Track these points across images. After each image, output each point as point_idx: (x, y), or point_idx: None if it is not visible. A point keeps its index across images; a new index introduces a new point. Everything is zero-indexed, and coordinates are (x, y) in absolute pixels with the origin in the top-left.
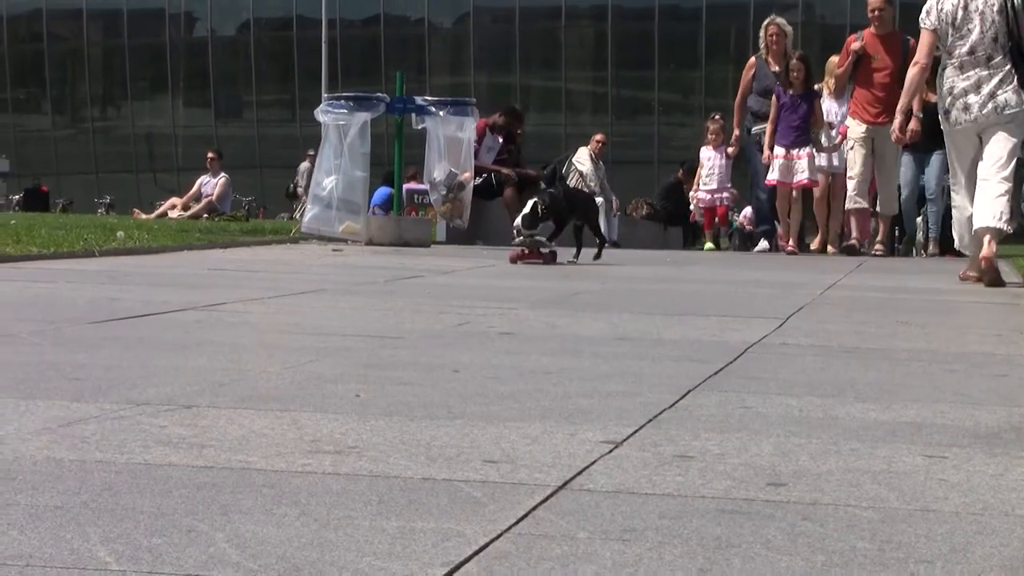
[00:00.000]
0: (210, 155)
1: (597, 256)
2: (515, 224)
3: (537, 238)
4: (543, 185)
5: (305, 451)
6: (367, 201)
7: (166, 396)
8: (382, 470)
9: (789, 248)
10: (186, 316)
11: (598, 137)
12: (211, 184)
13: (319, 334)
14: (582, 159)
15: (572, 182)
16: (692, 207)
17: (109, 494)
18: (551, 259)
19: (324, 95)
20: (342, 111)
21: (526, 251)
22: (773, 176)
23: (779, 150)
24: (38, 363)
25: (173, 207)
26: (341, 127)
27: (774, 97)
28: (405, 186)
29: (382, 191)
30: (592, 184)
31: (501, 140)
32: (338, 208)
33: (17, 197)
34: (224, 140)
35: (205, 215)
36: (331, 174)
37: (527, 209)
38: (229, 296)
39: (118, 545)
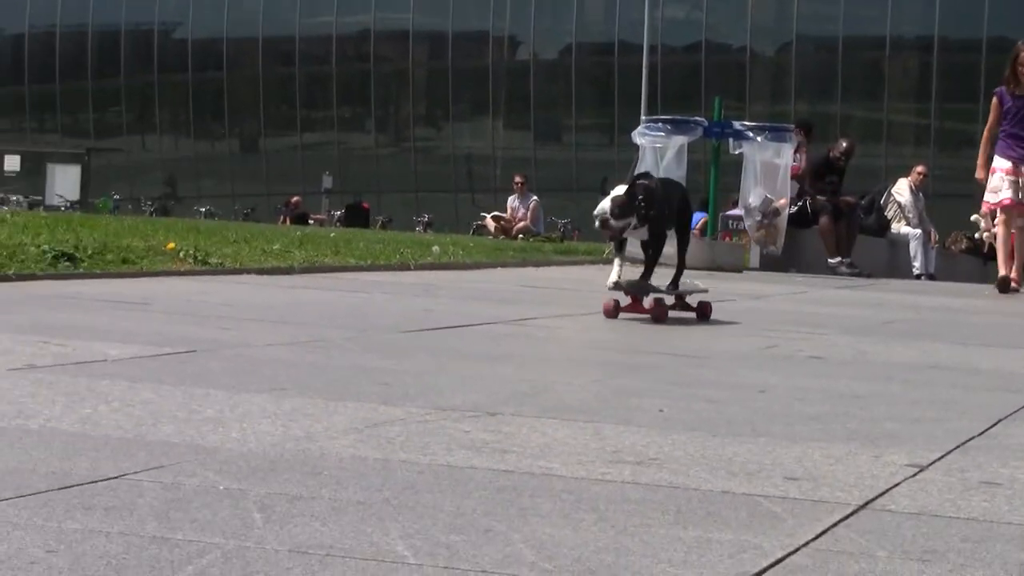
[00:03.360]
0: (517, 179)
1: (673, 285)
2: (599, 210)
3: (647, 284)
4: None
5: (606, 460)
6: None
7: (472, 403)
8: (682, 482)
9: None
10: (496, 329)
11: (919, 169)
12: (520, 206)
13: (626, 351)
14: (901, 190)
15: (890, 214)
16: None
17: (410, 492)
18: (661, 314)
19: (642, 118)
20: (659, 134)
21: (620, 302)
22: (1004, 195)
23: (1003, 163)
24: (349, 367)
25: (487, 226)
26: (658, 150)
27: (995, 99)
28: (721, 212)
29: (699, 216)
30: (911, 215)
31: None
32: None
33: (339, 213)
34: (542, 163)
35: (520, 236)
36: None
37: (618, 191)
38: (539, 312)
39: (416, 541)
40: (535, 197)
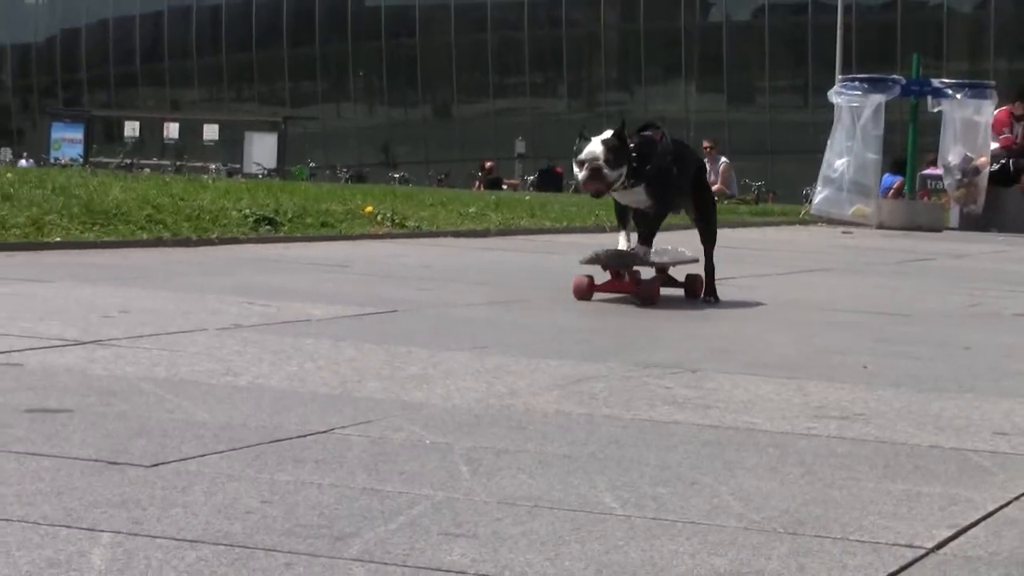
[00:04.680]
0: (706, 144)
1: (709, 292)
2: (587, 153)
3: (629, 249)
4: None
5: (810, 416)
6: (879, 184)
7: (672, 360)
8: (888, 436)
9: None
10: None
11: None
12: (711, 171)
13: (827, 309)
14: None
15: None
16: None
17: (615, 446)
18: (649, 294)
19: (838, 77)
20: (856, 92)
21: (598, 279)
22: None
23: None
24: (549, 326)
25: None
26: (854, 109)
27: None
28: (919, 172)
29: (887, 179)
30: None
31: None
32: (849, 190)
33: (532, 177)
34: (735, 125)
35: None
36: (843, 156)
37: (606, 135)
38: (738, 271)
39: (623, 492)
40: (725, 159)
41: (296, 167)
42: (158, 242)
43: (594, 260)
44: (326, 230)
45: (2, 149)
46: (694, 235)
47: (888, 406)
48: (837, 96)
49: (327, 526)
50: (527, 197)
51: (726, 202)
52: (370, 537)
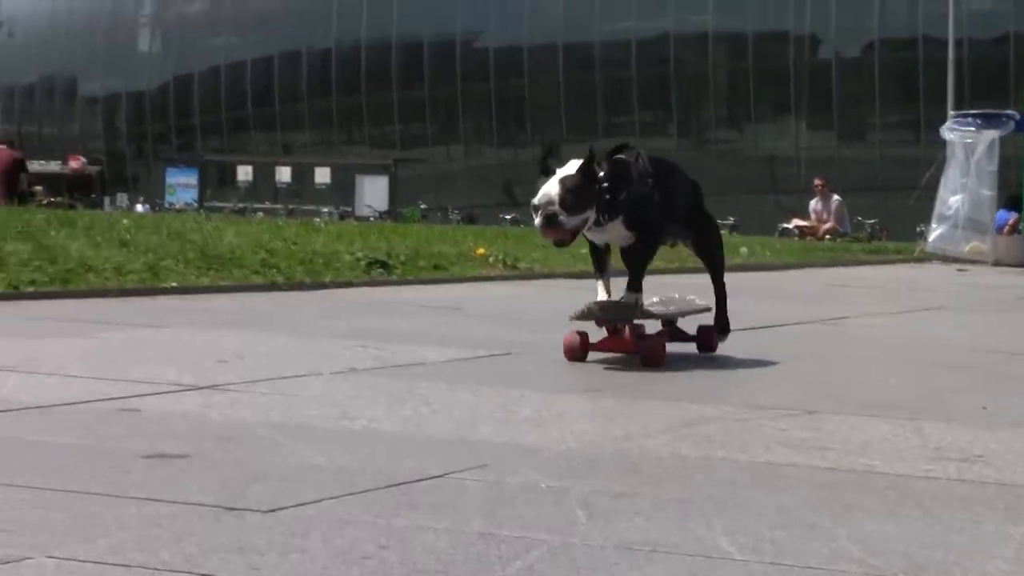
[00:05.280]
0: (817, 182)
1: (719, 325)
2: (540, 197)
3: (621, 299)
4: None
5: (928, 457)
6: (993, 220)
7: (787, 401)
8: (1008, 479)
9: None
10: (807, 328)
11: None
12: (823, 209)
13: (943, 348)
14: None
15: None
16: None
17: (731, 489)
18: (653, 352)
19: (950, 113)
20: (969, 128)
21: (591, 336)
22: None
23: None
24: (663, 368)
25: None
26: (968, 145)
27: None
28: None
29: (1001, 215)
30: None
31: None
32: (964, 227)
33: None
34: (846, 162)
35: (828, 237)
36: (956, 193)
37: (568, 169)
38: (850, 311)
39: (740, 537)
40: (837, 197)
41: (408, 209)
42: (272, 286)
43: (586, 316)
44: (438, 273)
45: (118, 195)
46: (705, 280)
47: (1008, 447)
48: (950, 132)
49: (444, 571)
50: None
51: (839, 240)
52: None
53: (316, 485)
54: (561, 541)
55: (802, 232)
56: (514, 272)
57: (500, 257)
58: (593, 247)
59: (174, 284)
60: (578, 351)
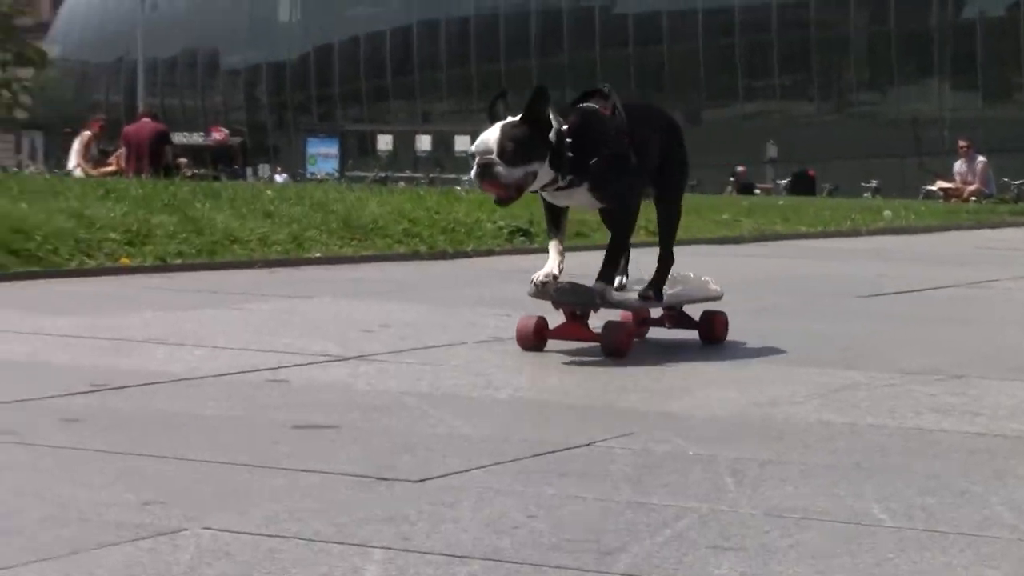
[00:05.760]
0: (962, 143)
1: (652, 288)
2: (478, 145)
3: (595, 290)
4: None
5: None
6: None
7: (935, 366)
8: None
9: None
10: (954, 292)
11: None
12: (968, 170)
13: None
14: None
15: None
16: None
17: (880, 455)
18: (615, 344)
19: None
20: None
21: (547, 321)
22: None
23: None
24: (806, 333)
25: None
26: None
27: None
28: None
29: None
30: None
31: None
32: None
33: (784, 181)
34: (991, 122)
35: (973, 199)
36: None
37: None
38: (999, 274)
39: (892, 503)
40: (982, 158)
41: None
42: (415, 256)
43: (540, 294)
44: (580, 240)
45: (259, 166)
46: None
47: None
48: None
49: (594, 540)
50: (780, 202)
51: (984, 201)
52: (637, 551)
53: (464, 454)
54: (710, 508)
55: (946, 194)
56: (656, 239)
57: (642, 224)
58: (548, 205)
59: (318, 254)
60: (531, 340)
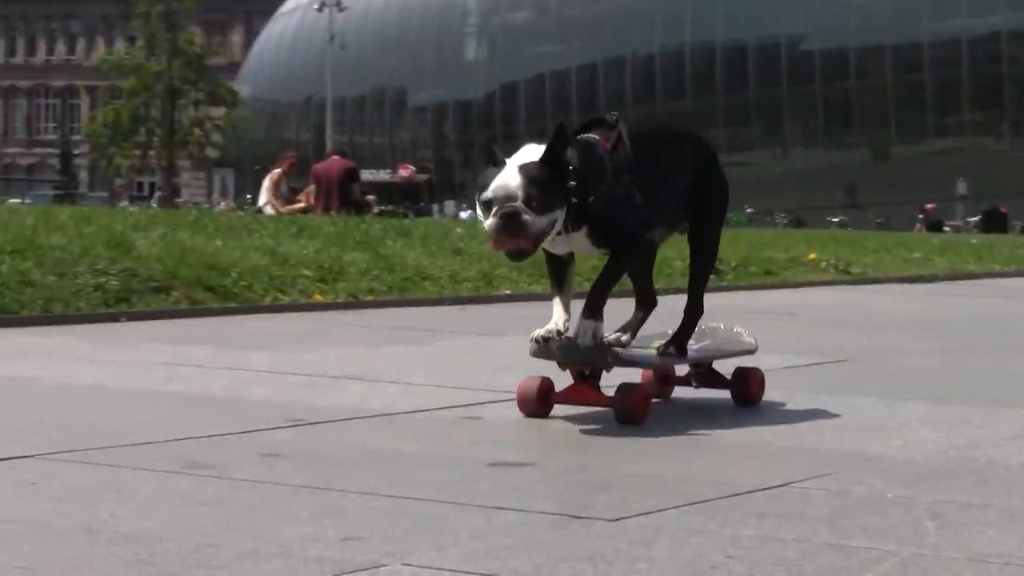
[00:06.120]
0: None
1: (674, 345)
2: (494, 190)
3: (608, 337)
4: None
5: None
6: None
7: None
8: None
9: None
10: None
11: None
12: None
13: None
14: None
15: None
16: None
17: None
18: (630, 410)
19: None
20: None
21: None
22: None
23: None
24: (1006, 374)
25: None
26: None
27: None
28: None
29: None
30: None
31: None
32: None
33: (974, 219)
34: None
35: None
36: None
37: (526, 155)
38: None
39: None
40: None
41: (734, 213)
42: None
43: (542, 352)
44: (770, 278)
45: (445, 203)
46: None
47: None
48: None
49: None
50: (973, 240)
51: None
52: None
53: (658, 494)
54: (911, 552)
55: None
56: (846, 276)
57: (831, 262)
58: (549, 256)
59: (507, 291)
60: (535, 404)
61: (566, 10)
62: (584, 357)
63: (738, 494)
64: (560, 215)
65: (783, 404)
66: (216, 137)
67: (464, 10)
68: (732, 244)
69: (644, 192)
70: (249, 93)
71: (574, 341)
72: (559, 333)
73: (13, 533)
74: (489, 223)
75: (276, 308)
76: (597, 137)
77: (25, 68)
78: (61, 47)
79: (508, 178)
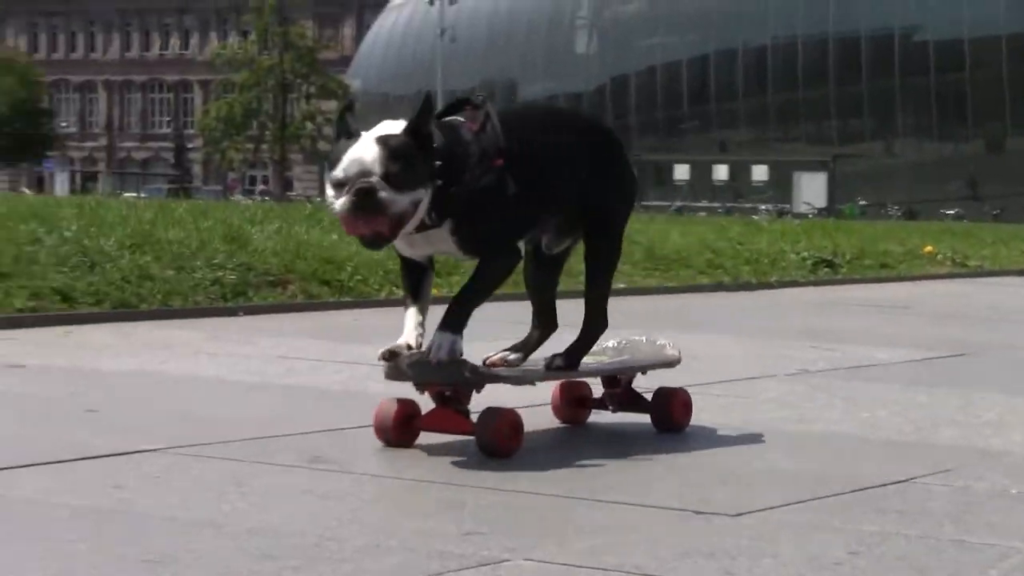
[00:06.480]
0: None
1: (567, 359)
2: (342, 170)
3: (434, 347)
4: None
5: None
6: None
7: None
8: None
9: None
10: None
11: None
12: None
13: None
14: None
15: None
16: None
17: None
18: (490, 438)
19: None
20: None
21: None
22: None
23: None
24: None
25: None
26: None
27: None
28: None
29: None
30: None
31: None
32: None
33: None
34: None
35: None
36: None
37: (387, 128)
38: None
39: None
40: None
41: (846, 205)
42: (718, 287)
43: (393, 373)
44: (885, 271)
45: None
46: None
47: None
48: None
49: None
50: None
51: None
52: None
53: (781, 489)
54: None
55: None
56: (963, 269)
57: (948, 255)
58: (404, 260)
59: (622, 285)
60: (393, 431)
61: (677, 2)
62: (438, 375)
63: (860, 489)
64: (425, 197)
65: (899, 398)
66: (328, 131)
67: (575, 3)
68: (846, 237)
69: (519, 182)
70: (360, 87)
71: (426, 356)
72: (408, 347)
73: (142, 526)
74: (340, 203)
75: (391, 302)
76: (462, 119)
77: (139, 63)
78: (175, 42)
79: (363, 151)
